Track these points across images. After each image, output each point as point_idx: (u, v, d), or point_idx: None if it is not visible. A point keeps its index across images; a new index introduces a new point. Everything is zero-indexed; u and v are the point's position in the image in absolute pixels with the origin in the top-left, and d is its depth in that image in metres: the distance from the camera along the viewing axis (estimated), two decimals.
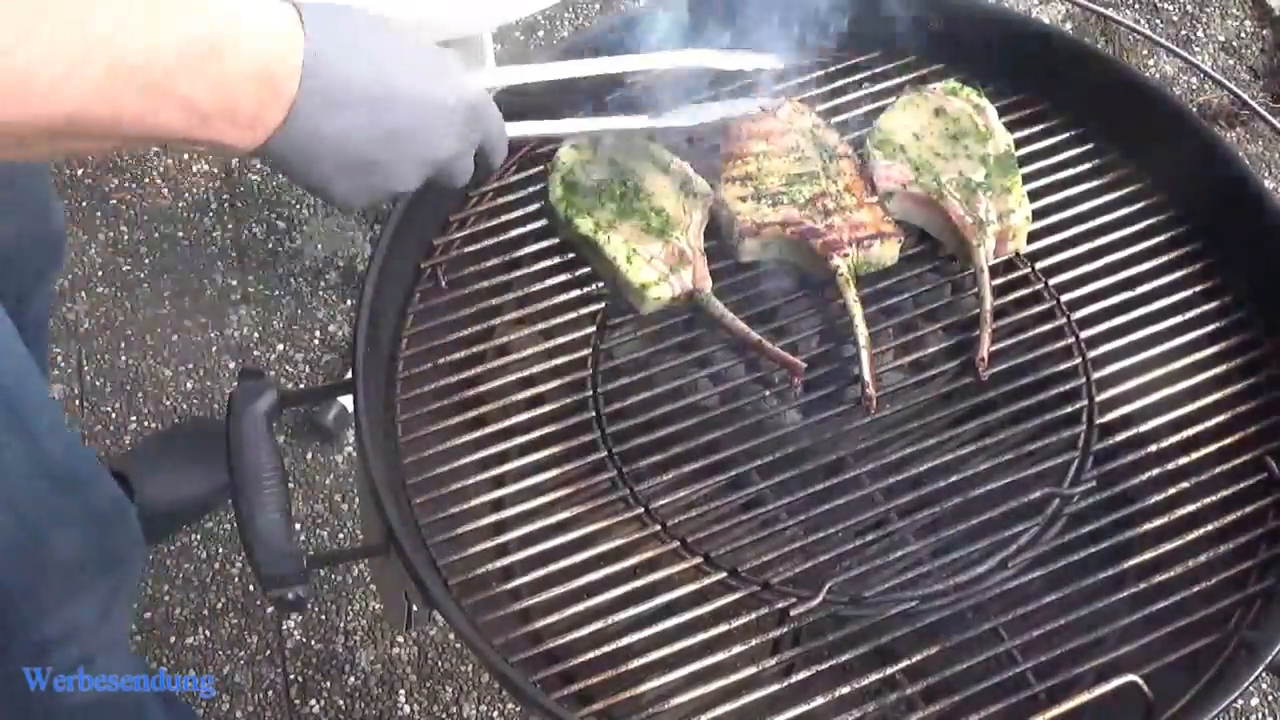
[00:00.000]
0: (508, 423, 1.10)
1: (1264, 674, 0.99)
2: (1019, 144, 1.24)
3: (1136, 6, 2.55)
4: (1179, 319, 1.17)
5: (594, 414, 1.12)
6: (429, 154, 0.91)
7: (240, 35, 0.77)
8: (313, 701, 1.85)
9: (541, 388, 1.13)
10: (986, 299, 1.12)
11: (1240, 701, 1.59)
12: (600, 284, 1.19)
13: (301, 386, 2.05)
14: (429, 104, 0.89)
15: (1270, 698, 1.87)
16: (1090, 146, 1.27)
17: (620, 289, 1.16)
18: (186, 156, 2.33)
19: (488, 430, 1.10)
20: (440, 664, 1.88)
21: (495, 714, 1.85)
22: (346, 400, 1.95)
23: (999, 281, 1.18)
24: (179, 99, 0.75)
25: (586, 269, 1.19)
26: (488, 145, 0.98)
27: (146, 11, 0.73)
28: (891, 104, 1.25)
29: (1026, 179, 1.21)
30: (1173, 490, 1.09)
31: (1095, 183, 1.25)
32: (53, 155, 0.77)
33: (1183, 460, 1.10)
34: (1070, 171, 1.25)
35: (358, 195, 0.90)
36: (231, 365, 2.09)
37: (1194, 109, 2.25)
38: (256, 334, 2.12)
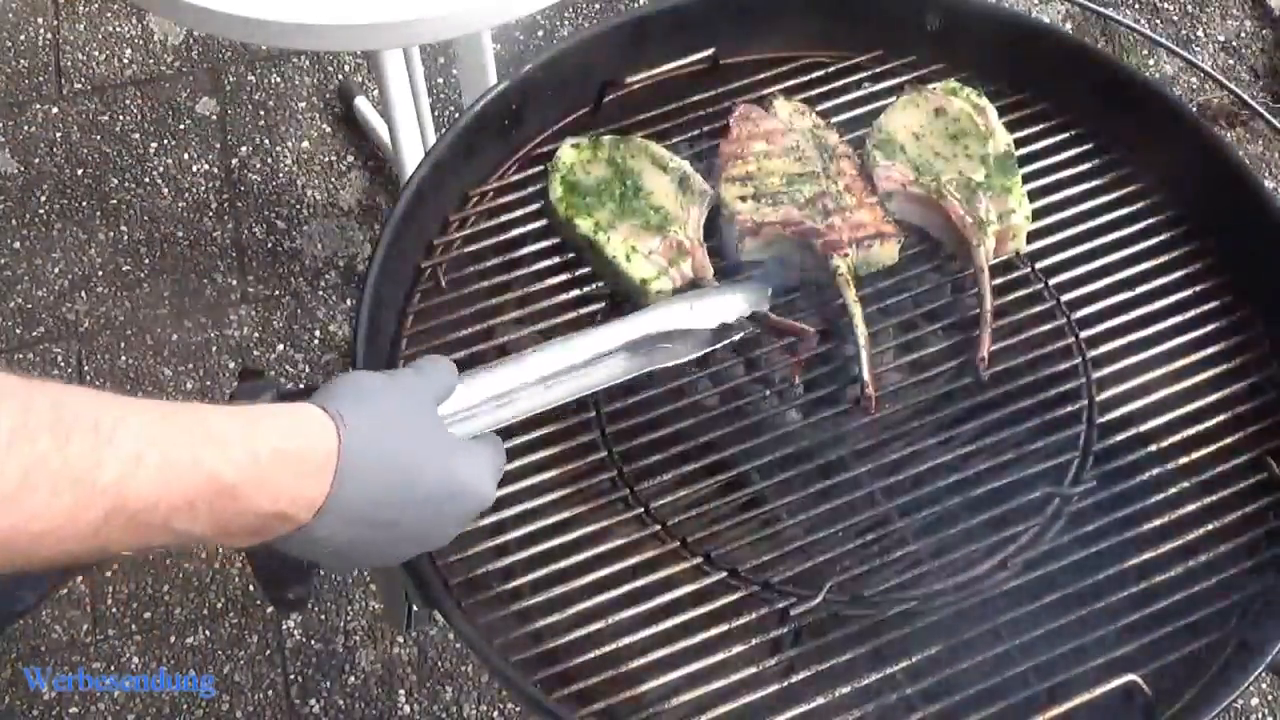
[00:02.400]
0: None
1: (1264, 674, 0.99)
2: (1019, 144, 1.24)
3: (1136, 6, 2.55)
4: (1179, 319, 1.17)
5: (594, 414, 1.12)
6: (440, 543, 0.90)
7: (262, 478, 0.74)
8: (313, 701, 1.85)
9: None
10: (986, 299, 1.12)
11: (1240, 701, 1.60)
12: (600, 284, 1.19)
13: (301, 386, 2.05)
14: (448, 524, 0.88)
15: (1270, 698, 1.87)
16: (1090, 146, 1.27)
17: (623, 288, 1.16)
18: (186, 156, 2.33)
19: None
20: (440, 664, 1.88)
21: (495, 714, 1.85)
22: None
23: (999, 281, 1.18)
24: (178, 534, 0.72)
25: (586, 269, 1.19)
26: None
27: (161, 458, 0.69)
28: (891, 104, 1.25)
29: (1026, 179, 1.21)
30: (1173, 490, 1.09)
31: (1095, 183, 1.25)
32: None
33: (1183, 460, 1.10)
34: (1070, 171, 1.25)
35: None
36: (231, 365, 2.09)
37: (1194, 109, 2.25)
38: (256, 334, 2.12)
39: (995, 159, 1.19)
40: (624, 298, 1.17)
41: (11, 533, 0.64)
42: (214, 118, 2.38)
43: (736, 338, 1.09)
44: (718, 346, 1.08)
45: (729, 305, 1.10)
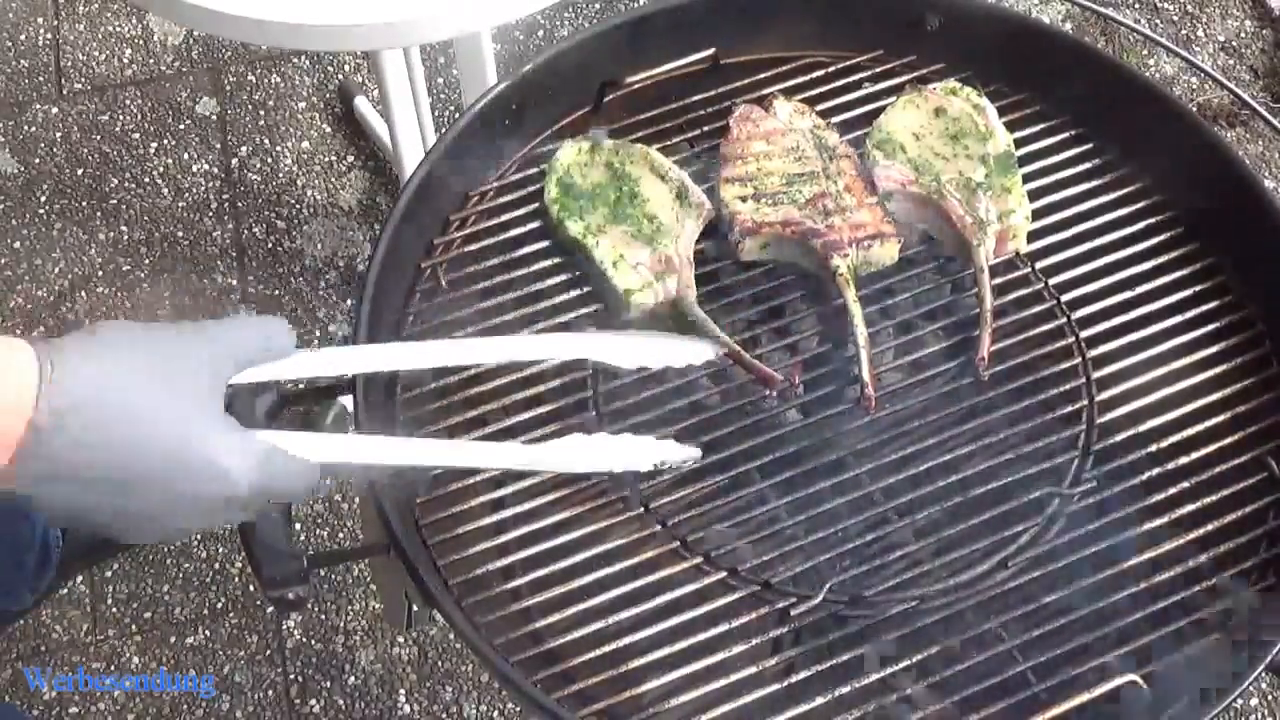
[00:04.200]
0: (508, 423, 1.10)
1: (1264, 674, 0.99)
2: (1019, 144, 1.24)
3: (1136, 6, 2.55)
4: (1179, 319, 1.17)
5: (594, 414, 1.12)
6: (177, 534, 0.82)
7: None
8: (313, 701, 1.85)
9: (541, 388, 1.13)
10: (986, 299, 1.12)
11: (1240, 701, 1.59)
12: None
13: (301, 386, 2.05)
14: (183, 509, 0.78)
15: (1270, 698, 1.87)
16: (1090, 146, 1.27)
17: (606, 294, 1.16)
18: (186, 156, 2.33)
19: (488, 430, 1.10)
20: (440, 664, 1.88)
21: (495, 714, 1.85)
22: (346, 400, 1.95)
23: (999, 281, 1.18)
24: None
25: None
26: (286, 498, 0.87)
27: None
28: (891, 104, 1.25)
29: (1026, 179, 1.21)
30: (1173, 490, 1.09)
31: (1095, 183, 1.25)
32: None
33: (1183, 460, 1.10)
34: (1070, 171, 1.25)
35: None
36: None
37: (1194, 109, 2.25)
38: None
39: (995, 159, 1.19)
40: (607, 303, 1.17)
41: None
42: (214, 118, 2.38)
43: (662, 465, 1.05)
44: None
45: (653, 355, 1.07)
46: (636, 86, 1.27)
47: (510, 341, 1.10)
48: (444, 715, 1.85)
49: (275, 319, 0.85)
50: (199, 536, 1.95)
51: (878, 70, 1.31)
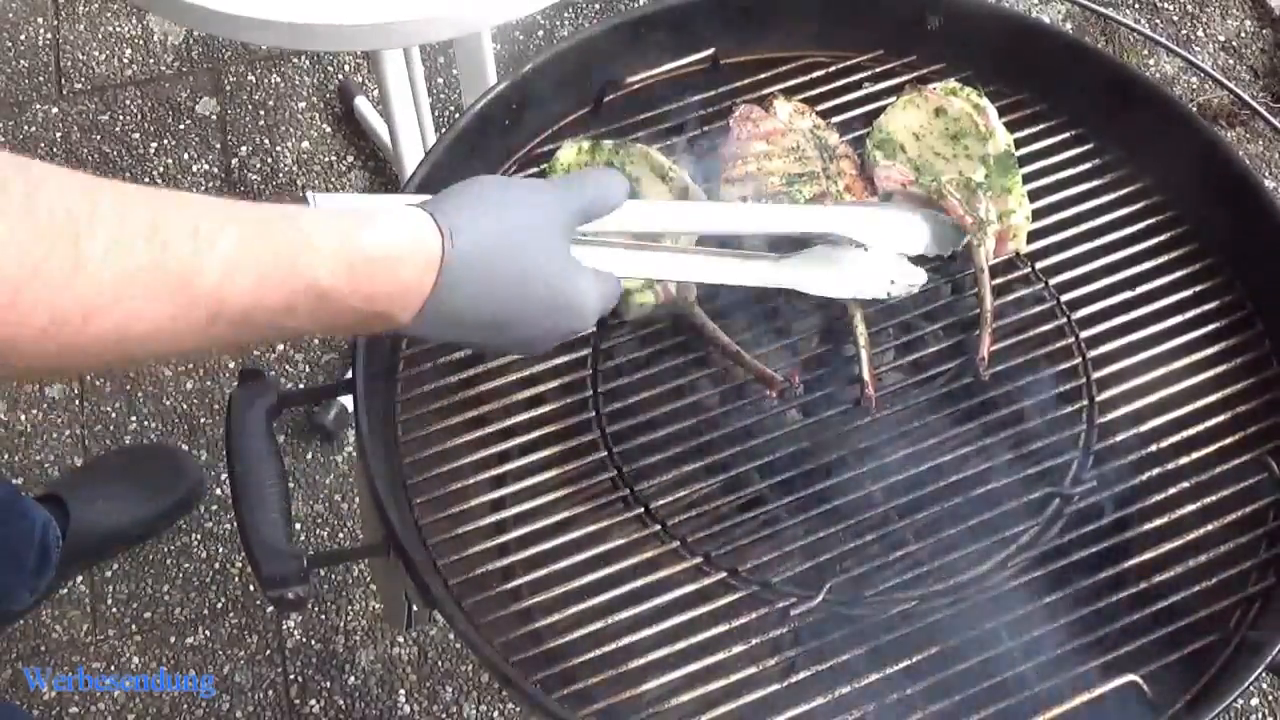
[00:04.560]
0: (508, 423, 1.10)
1: (1264, 674, 0.99)
2: (1019, 144, 1.24)
3: (1136, 6, 2.55)
4: (1179, 319, 1.17)
5: (594, 414, 1.12)
6: (539, 351, 0.95)
7: (357, 285, 0.77)
8: (313, 701, 1.85)
9: (541, 388, 1.13)
10: (987, 299, 1.12)
11: (1240, 701, 1.59)
12: None
13: (301, 386, 2.05)
14: (550, 338, 0.91)
15: (1270, 698, 1.87)
16: (1090, 146, 1.27)
17: None
18: (186, 156, 2.33)
19: (488, 430, 1.10)
20: (440, 664, 1.88)
21: (495, 714, 1.85)
22: (346, 400, 1.95)
23: (999, 281, 1.18)
24: (284, 331, 0.76)
25: None
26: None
27: (257, 266, 0.72)
28: (891, 104, 1.25)
29: (1026, 179, 1.21)
30: (1173, 490, 1.09)
31: (1095, 183, 1.25)
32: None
33: (1183, 460, 1.10)
34: (1070, 171, 1.25)
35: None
36: (231, 365, 2.09)
37: (1194, 109, 2.25)
38: None
39: (995, 159, 1.19)
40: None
41: (117, 333, 0.67)
42: (214, 118, 2.38)
43: (900, 293, 1.10)
44: (872, 297, 1.09)
45: (912, 236, 1.12)
46: (636, 86, 1.27)
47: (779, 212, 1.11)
48: (444, 715, 1.85)
49: (611, 172, 0.97)
50: (199, 536, 1.95)
51: (878, 70, 1.31)
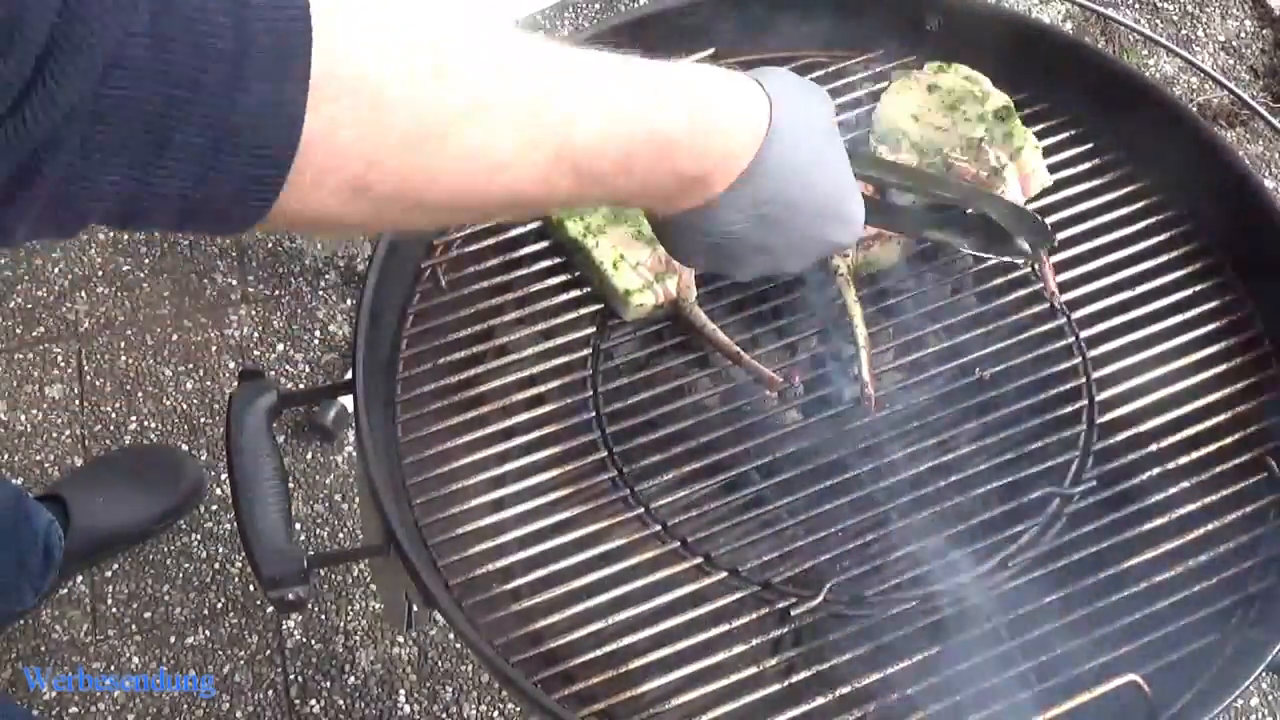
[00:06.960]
0: (508, 423, 1.10)
1: (1264, 674, 0.99)
2: None
3: (1136, 6, 2.55)
4: (1179, 319, 1.18)
5: (594, 414, 1.12)
6: (798, 267, 0.91)
7: (695, 139, 0.74)
8: (313, 701, 1.85)
9: (541, 388, 1.13)
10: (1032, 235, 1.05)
11: (1240, 701, 1.59)
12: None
13: (301, 386, 2.05)
14: (820, 247, 0.88)
15: (1270, 698, 1.87)
16: (1090, 146, 1.27)
17: (606, 294, 1.16)
18: None
19: (488, 430, 1.10)
20: (440, 664, 1.88)
21: (495, 714, 1.85)
22: (346, 400, 1.95)
23: (999, 281, 1.18)
24: (611, 189, 0.73)
25: None
26: None
27: (607, 105, 0.70)
28: (885, 90, 1.25)
29: None
30: (1173, 490, 1.09)
31: (1095, 183, 1.25)
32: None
33: (1183, 460, 1.10)
34: (1070, 171, 1.25)
35: (734, 272, 0.88)
36: (231, 365, 2.09)
37: (1194, 109, 2.25)
38: (256, 334, 2.12)
39: (994, 113, 1.19)
40: (607, 303, 1.17)
41: (468, 161, 0.65)
42: None
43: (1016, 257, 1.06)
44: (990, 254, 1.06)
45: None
46: None
47: None
48: (444, 715, 1.85)
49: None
50: (199, 536, 1.95)
51: (878, 70, 1.31)
